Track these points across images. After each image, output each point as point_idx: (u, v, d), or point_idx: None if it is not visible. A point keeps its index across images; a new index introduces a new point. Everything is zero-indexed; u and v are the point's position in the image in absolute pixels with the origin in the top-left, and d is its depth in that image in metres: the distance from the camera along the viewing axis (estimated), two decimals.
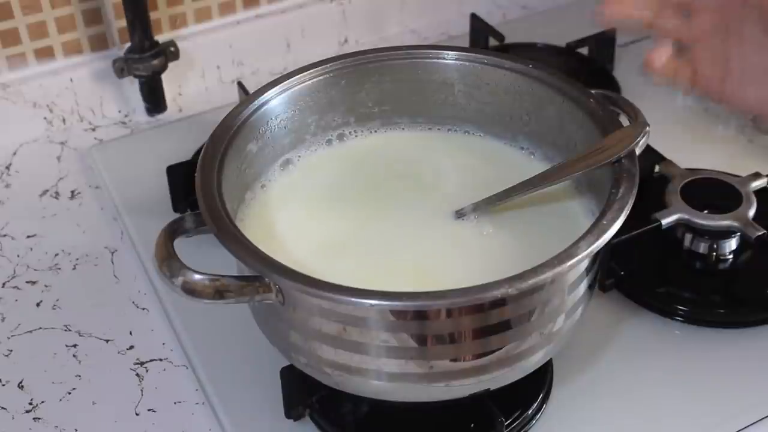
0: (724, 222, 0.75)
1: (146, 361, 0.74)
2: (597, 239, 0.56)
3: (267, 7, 1.02)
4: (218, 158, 0.63)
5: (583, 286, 0.60)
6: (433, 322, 0.56)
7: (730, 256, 0.77)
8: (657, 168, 0.81)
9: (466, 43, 1.02)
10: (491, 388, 0.61)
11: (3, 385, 0.72)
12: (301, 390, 0.66)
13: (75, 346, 0.75)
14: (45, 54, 0.95)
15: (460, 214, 0.66)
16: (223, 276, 0.56)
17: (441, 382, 0.59)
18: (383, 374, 0.58)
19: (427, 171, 0.72)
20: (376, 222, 0.67)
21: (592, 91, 0.67)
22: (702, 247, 0.76)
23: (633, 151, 0.62)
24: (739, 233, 0.76)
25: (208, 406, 0.70)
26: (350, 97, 0.73)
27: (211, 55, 1.01)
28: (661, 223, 0.75)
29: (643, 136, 0.63)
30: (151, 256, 0.60)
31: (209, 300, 0.56)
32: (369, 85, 0.73)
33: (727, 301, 0.76)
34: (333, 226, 0.67)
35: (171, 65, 0.96)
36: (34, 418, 0.70)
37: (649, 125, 0.64)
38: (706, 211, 0.76)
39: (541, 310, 0.58)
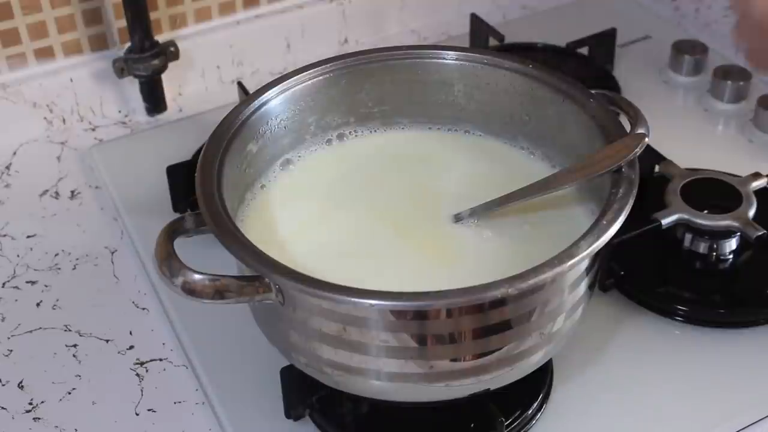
0: (724, 222, 0.75)
1: (146, 361, 0.74)
2: (597, 239, 0.56)
3: (267, 7, 1.02)
4: (218, 158, 0.63)
5: (583, 286, 0.60)
6: (433, 322, 0.56)
7: (730, 256, 0.77)
8: (657, 168, 0.81)
9: (466, 43, 1.02)
10: (491, 388, 0.61)
11: (3, 385, 0.72)
12: (301, 390, 0.66)
13: (75, 346, 0.75)
14: (45, 54, 0.95)
15: (458, 218, 0.66)
16: (223, 276, 0.56)
17: (441, 382, 0.59)
18: (383, 374, 0.58)
19: (427, 171, 0.72)
20: (377, 222, 0.67)
21: (592, 92, 0.67)
22: (702, 247, 0.76)
23: (633, 160, 0.62)
24: (739, 233, 0.76)
25: (208, 406, 0.70)
26: (350, 97, 0.73)
27: (211, 55, 1.01)
28: (661, 223, 0.75)
29: (642, 147, 0.62)
30: (151, 256, 0.60)
31: (209, 300, 0.56)
32: (369, 85, 0.73)
33: (727, 301, 0.76)
34: (332, 226, 0.67)
35: (171, 65, 0.96)
36: (34, 418, 0.70)
37: (648, 135, 0.63)
38: (706, 211, 0.76)
39: (541, 310, 0.58)
